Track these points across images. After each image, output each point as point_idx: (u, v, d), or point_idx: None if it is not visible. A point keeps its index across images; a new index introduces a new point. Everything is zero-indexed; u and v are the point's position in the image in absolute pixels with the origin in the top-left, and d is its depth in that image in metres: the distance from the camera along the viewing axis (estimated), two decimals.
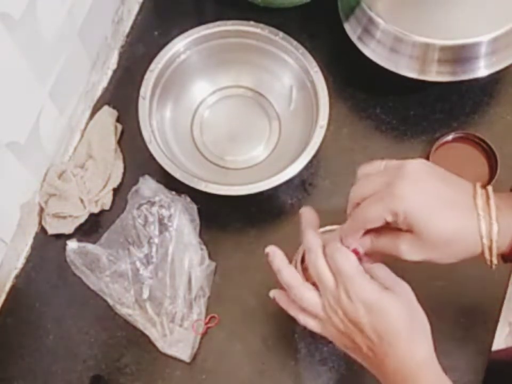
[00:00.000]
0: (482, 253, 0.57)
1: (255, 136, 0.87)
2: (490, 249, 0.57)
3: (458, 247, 0.57)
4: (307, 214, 0.65)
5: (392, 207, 0.56)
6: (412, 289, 0.62)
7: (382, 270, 0.61)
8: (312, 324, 0.63)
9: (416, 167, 0.58)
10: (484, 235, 0.56)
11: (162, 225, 0.79)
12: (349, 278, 0.59)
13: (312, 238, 0.62)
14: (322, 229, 0.69)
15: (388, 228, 0.58)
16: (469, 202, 0.57)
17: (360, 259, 0.61)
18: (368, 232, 0.60)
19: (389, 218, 0.57)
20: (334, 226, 0.69)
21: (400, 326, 0.58)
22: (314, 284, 0.63)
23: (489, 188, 0.58)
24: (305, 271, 0.68)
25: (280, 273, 0.63)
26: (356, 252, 0.61)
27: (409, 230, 0.57)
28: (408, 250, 0.57)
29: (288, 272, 0.63)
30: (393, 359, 0.58)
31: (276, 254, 0.64)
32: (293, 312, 0.64)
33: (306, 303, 0.62)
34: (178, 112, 0.87)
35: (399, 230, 0.58)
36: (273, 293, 0.66)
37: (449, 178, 0.59)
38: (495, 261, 0.58)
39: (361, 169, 0.63)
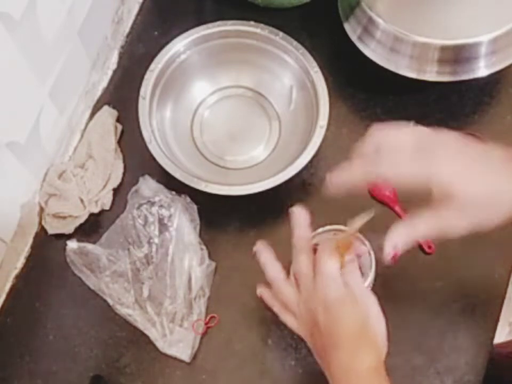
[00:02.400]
0: None
1: (255, 136, 0.87)
2: None
3: (500, 205, 0.58)
4: (298, 216, 0.65)
5: (428, 172, 0.56)
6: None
7: (355, 279, 0.62)
8: (289, 320, 0.64)
9: (450, 136, 0.58)
10: None
11: (162, 225, 0.79)
12: (321, 276, 0.60)
13: (300, 233, 0.64)
14: (322, 229, 0.69)
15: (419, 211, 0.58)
16: (504, 162, 0.57)
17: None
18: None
19: (417, 182, 0.57)
20: (334, 226, 0.69)
21: (348, 333, 0.59)
22: None
23: None
24: None
25: (265, 268, 0.64)
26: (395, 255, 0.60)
27: (440, 202, 0.57)
28: (456, 224, 0.58)
29: (272, 267, 0.64)
30: (337, 363, 0.59)
31: (262, 251, 0.65)
32: (276, 308, 0.65)
33: (285, 297, 0.63)
34: (178, 112, 0.87)
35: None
36: (260, 291, 0.67)
37: (481, 146, 0.59)
38: None
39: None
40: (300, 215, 0.65)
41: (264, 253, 0.65)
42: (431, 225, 0.59)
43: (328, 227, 0.69)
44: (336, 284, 0.60)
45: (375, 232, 0.72)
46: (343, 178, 0.61)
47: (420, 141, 0.58)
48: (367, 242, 0.68)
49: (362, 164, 0.60)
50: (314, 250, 0.73)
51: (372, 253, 0.68)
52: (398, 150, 0.59)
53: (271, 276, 0.64)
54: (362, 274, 0.73)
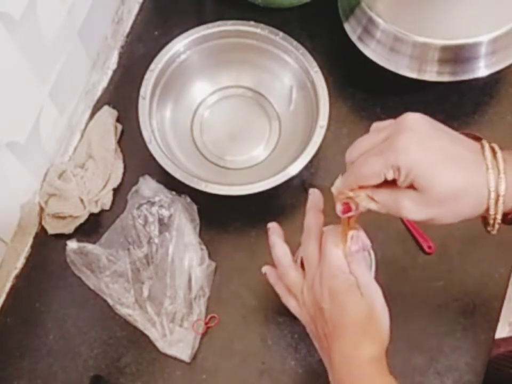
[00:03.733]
0: (487, 210, 0.55)
1: (255, 136, 0.87)
2: (496, 204, 0.54)
3: (464, 203, 0.55)
4: (314, 197, 0.65)
5: (394, 161, 0.53)
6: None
7: (361, 269, 0.61)
8: (292, 304, 0.64)
9: (418, 120, 0.55)
10: (491, 188, 0.54)
11: (162, 225, 0.79)
12: (327, 264, 0.60)
13: (312, 218, 0.64)
14: (323, 228, 0.69)
15: (387, 184, 0.56)
16: (477, 156, 0.55)
17: (350, 216, 0.60)
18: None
19: (389, 175, 0.54)
20: (334, 226, 0.69)
21: (353, 322, 0.59)
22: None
23: (495, 144, 0.56)
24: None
25: (273, 248, 0.65)
26: (347, 207, 0.59)
27: (411, 187, 0.54)
28: (411, 207, 0.55)
29: (280, 249, 0.64)
30: (340, 351, 0.59)
31: (275, 230, 0.66)
32: (279, 289, 0.65)
33: (289, 280, 0.63)
34: (178, 112, 0.87)
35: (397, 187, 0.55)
36: (265, 268, 0.67)
37: (453, 133, 0.57)
38: (499, 218, 0.56)
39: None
40: (316, 198, 0.64)
41: (275, 232, 0.65)
42: (383, 200, 0.56)
43: (330, 226, 0.69)
44: (343, 274, 0.60)
45: (374, 231, 0.73)
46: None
47: (385, 136, 0.56)
48: (367, 242, 0.68)
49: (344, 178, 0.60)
50: None
51: (371, 252, 0.68)
52: (370, 154, 0.56)
53: (278, 257, 0.64)
54: None
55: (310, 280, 0.62)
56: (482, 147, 0.56)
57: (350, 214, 0.59)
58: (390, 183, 0.56)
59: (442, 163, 0.54)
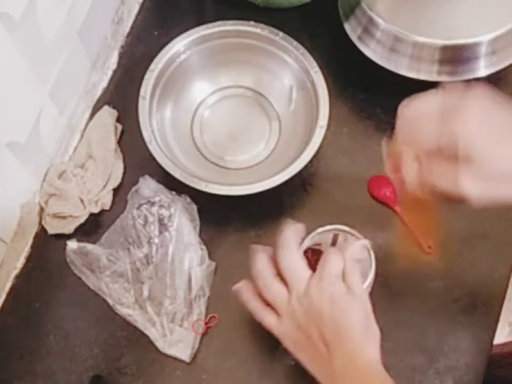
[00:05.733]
0: None
1: (255, 136, 0.87)
2: None
3: None
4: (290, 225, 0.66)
5: (454, 130, 0.53)
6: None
7: (356, 277, 0.63)
8: (270, 319, 0.63)
9: (481, 94, 0.55)
10: None
11: (162, 225, 0.79)
12: (327, 272, 0.61)
13: (291, 231, 0.64)
14: (321, 229, 0.69)
15: (442, 158, 0.54)
16: None
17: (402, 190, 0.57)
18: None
19: (444, 142, 0.53)
20: (334, 226, 0.69)
21: (357, 326, 0.60)
22: None
23: None
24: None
25: (255, 261, 0.64)
26: (396, 167, 0.56)
27: (466, 161, 0.53)
28: (470, 182, 0.53)
29: (262, 261, 0.64)
30: (344, 355, 0.59)
31: (258, 249, 0.66)
32: (253, 305, 0.64)
33: (274, 291, 0.63)
34: (178, 112, 0.87)
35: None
36: (239, 285, 0.66)
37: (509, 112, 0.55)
38: None
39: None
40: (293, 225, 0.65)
41: (259, 251, 0.65)
42: (447, 176, 0.54)
43: (328, 227, 0.69)
44: (340, 282, 0.61)
45: (374, 231, 0.73)
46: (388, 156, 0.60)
47: (447, 104, 0.55)
48: (367, 242, 0.68)
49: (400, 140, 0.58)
50: (313, 250, 0.74)
51: (371, 252, 0.68)
52: (427, 117, 0.55)
53: (261, 268, 0.64)
54: (362, 273, 0.73)
55: (302, 289, 0.62)
56: None
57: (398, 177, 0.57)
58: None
59: (501, 139, 0.53)
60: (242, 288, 0.66)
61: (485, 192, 0.53)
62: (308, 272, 0.63)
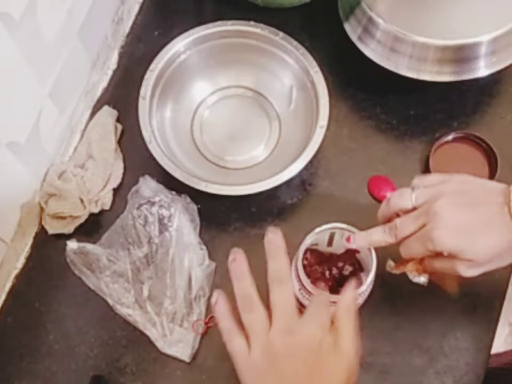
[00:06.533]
0: None
1: (255, 136, 0.87)
2: None
3: (511, 253, 0.62)
4: (274, 238, 0.60)
5: (432, 248, 0.61)
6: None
7: (349, 332, 0.57)
8: (237, 344, 0.56)
9: (443, 205, 0.61)
10: None
11: (162, 225, 0.79)
12: (314, 318, 0.57)
13: (281, 262, 0.59)
14: (319, 229, 0.69)
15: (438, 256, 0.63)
16: (502, 210, 0.60)
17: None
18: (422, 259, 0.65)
19: (432, 253, 0.62)
20: (333, 225, 0.69)
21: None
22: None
23: None
24: (304, 269, 0.69)
25: (238, 278, 0.59)
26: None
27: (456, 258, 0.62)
28: (467, 270, 0.62)
29: (247, 280, 0.58)
30: None
31: (240, 258, 0.60)
32: (226, 324, 0.58)
33: (256, 315, 0.57)
34: (178, 112, 0.87)
35: None
36: (217, 294, 0.60)
37: (477, 199, 0.62)
38: None
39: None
40: (277, 239, 0.60)
41: (240, 261, 0.59)
42: (441, 266, 0.63)
43: (325, 226, 0.69)
44: (327, 334, 0.56)
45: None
46: (364, 240, 0.67)
47: (420, 217, 0.63)
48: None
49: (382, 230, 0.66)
50: (311, 251, 0.74)
51: (373, 252, 0.68)
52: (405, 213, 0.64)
53: (245, 288, 0.58)
54: (363, 269, 0.73)
55: (287, 325, 0.56)
56: (510, 201, 0.60)
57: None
58: None
59: (475, 236, 0.60)
60: (222, 301, 0.59)
61: (480, 271, 0.62)
62: (297, 312, 0.57)
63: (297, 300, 0.73)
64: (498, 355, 0.97)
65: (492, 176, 0.81)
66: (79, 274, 0.79)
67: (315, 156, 0.78)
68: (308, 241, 0.69)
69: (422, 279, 0.67)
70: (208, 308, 0.78)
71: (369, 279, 0.67)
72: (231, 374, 0.75)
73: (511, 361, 0.96)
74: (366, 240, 0.67)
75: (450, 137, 0.84)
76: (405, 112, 0.88)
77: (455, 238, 0.60)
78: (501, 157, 0.81)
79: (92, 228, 0.82)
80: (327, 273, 0.73)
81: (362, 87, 0.89)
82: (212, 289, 0.78)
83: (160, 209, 0.79)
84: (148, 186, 0.81)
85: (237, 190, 0.77)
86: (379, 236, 0.65)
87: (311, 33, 0.91)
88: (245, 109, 0.88)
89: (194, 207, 0.80)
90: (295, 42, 0.83)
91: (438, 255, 0.62)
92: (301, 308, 0.73)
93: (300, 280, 0.68)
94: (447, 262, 0.62)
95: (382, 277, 0.70)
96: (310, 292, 0.67)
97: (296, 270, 0.68)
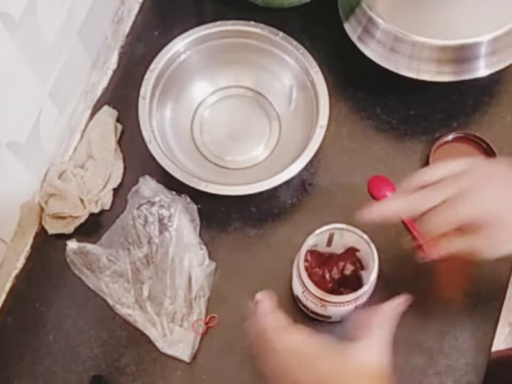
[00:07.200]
0: None
1: (255, 136, 0.87)
2: None
3: None
4: (264, 303, 0.63)
5: (463, 215, 0.59)
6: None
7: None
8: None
9: (479, 172, 0.61)
10: None
11: (162, 225, 0.79)
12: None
13: (274, 321, 0.62)
14: (319, 230, 0.69)
15: (454, 231, 0.60)
16: None
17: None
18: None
19: (462, 224, 0.60)
20: (333, 225, 0.69)
21: None
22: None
23: None
24: (306, 270, 0.69)
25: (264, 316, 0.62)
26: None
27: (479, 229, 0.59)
28: (488, 248, 0.61)
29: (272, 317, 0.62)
30: None
31: (265, 300, 0.63)
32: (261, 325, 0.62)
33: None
34: (178, 112, 0.87)
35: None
36: (259, 296, 0.64)
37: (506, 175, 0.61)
38: None
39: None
40: (266, 304, 0.63)
41: (266, 301, 0.63)
42: (459, 247, 0.61)
43: (324, 227, 0.69)
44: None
45: (374, 231, 0.73)
46: (381, 210, 0.63)
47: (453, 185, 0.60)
48: (364, 235, 0.68)
49: (406, 199, 0.62)
50: (311, 252, 0.74)
51: (372, 245, 0.68)
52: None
53: (274, 322, 0.61)
54: (364, 267, 0.73)
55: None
56: None
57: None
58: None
59: (507, 205, 0.59)
60: (263, 300, 0.63)
61: (498, 252, 0.61)
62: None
63: (301, 302, 0.73)
64: (498, 352, 0.96)
65: None
66: (79, 274, 0.79)
67: (315, 156, 0.78)
68: (309, 243, 0.69)
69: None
70: (208, 307, 0.78)
71: (373, 274, 0.67)
72: (231, 374, 0.76)
73: (510, 356, 0.96)
74: (384, 210, 0.63)
75: (450, 137, 0.84)
76: (405, 112, 0.88)
77: (491, 201, 0.59)
78: (501, 156, 0.81)
79: (92, 227, 0.82)
80: (327, 275, 0.73)
81: (362, 87, 0.89)
82: (211, 289, 0.78)
83: (160, 209, 0.79)
84: (148, 186, 0.81)
85: (237, 190, 0.77)
86: (401, 205, 0.62)
87: (311, 33, 0.91)
88: (245, 109, 0.88)
89: (194, 207, 0.80)
90: (295, 42, 0.83)
91: (459, 231, 0.60)
92: (304, 310, 0.74)
93: (302, 283, 0.68)
94: (468, 239, 0.60)
95: (383, 278, 0.70)
96: (313, 294, 0.67)
97: (299, 272, 0.68)
